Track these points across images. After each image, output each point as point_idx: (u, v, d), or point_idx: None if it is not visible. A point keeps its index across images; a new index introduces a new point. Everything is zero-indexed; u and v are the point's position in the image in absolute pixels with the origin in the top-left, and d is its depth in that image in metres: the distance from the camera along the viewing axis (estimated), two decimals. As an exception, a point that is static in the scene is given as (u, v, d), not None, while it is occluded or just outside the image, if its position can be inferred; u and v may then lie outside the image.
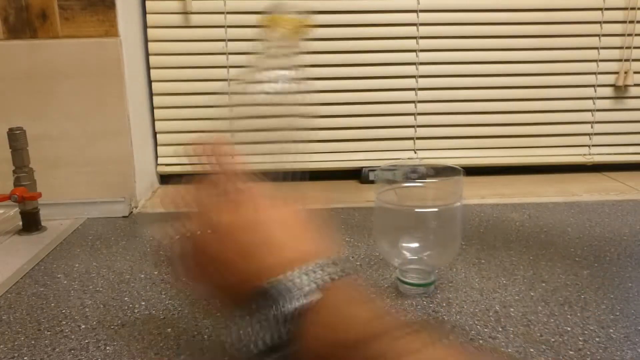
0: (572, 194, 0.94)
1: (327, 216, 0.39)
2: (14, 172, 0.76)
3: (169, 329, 0.50)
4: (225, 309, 0.36)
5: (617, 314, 0.52)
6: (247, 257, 0.35)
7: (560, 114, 1.07)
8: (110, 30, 0.88)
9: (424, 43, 1.03)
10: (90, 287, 0.60)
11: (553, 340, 0.48)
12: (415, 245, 0.55)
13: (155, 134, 1.04)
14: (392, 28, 1.01)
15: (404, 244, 0.55)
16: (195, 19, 0.99)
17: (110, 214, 0.86)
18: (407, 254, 0.56)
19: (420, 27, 1.02)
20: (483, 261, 0.65)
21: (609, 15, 1.03)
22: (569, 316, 0.52)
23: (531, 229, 0.75)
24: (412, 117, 1.05)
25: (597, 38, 1.04)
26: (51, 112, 0.88)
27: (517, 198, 0.91)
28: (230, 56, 1.00)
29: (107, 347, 0.48)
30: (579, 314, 0.52)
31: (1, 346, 0.48)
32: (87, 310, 0.54)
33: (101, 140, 0.88)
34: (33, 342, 0.49)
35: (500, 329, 0.50)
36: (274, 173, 0.44)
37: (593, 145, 1.09)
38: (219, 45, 1.00)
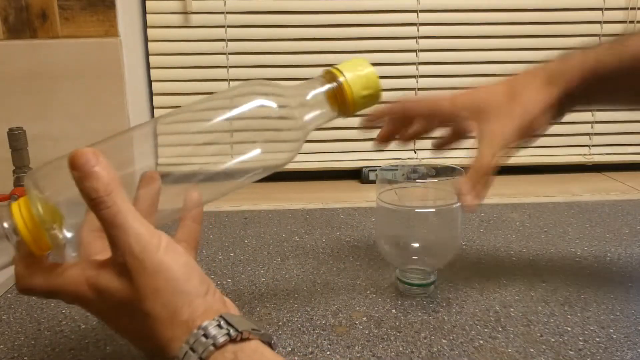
0: (572, 194, 0.94)
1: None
2: (14, 172, 0.76)
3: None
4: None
5: (617, 314, 0.52)
6: (138, 341, 0.34)
7: (560, 114, 1.07)
8: (110, 30, 0.88)
9: (424, 43, 1.03)
10: (90, 287, 0.60)
11: (553, 340, 0.48)
12: (416, 245, 0.55)
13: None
14: (392, 28, 1.02)
15: (404, 244, 0.55)
16: (195, 19, 0.99)
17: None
18: (408, 254, 0.56)
19: (420, 27, 1.02)
20: (483, 261, 0.65)
21: (609, 15, 1.03)
22: (569, 316, 0.52)
23: (531, 229, 0.75)
24: (412, 117, 1.05)
25: (597, 38, 1.04)
26: (51, 112, 0.88)
27: (517, 198, 0.91)
28: (230, 56, 1.00)
29: (107, 347, 0.48)
30: (579, 314, 0.52)
31: (1, 346, 0.48)
32: (87, 310, 0.54)
33: (101, 140, 0.88)
34: (33, 342, 0.49)
35: (500, 329, 0.50)
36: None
37: (593, 145, 1.09)
38: (219, 45, 1.00)
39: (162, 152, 0.39)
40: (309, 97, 0.41)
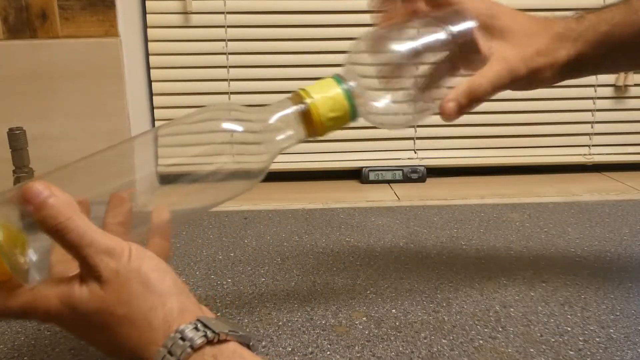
0: (572, 194, 0.94)
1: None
2: (14, 172, 0.76)
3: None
4: None
5: (617, 314, 0.52)
6: (114, 352, 0.34)
7: (560, 114, 1.07)
8: (110, 30, 0.88)
9: (424, 43, 1.02)
10: (90, 287, 0.60)
11: (553, 340, 0.48)
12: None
13: (155, 134, 1.04)
14: (392, 28, 1.01)
15: None
16: (195, 19, 0.99)
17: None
18: None
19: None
20: (483, 261, 0.65)
21: (609, 15, 1.03)
22: (569, 316, 0.52)
23: (531, 229, 0.75)
24: (412, 117, 1.05)
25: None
26: (51, 112, 0.88)
27: (517, 198, 0.91)
28: (230, 56, 1.00)
29: (107, 347, 0.48)
30: (579, 314, 0.52)
31: (1, 346, 0.48)
32: (87, 310, 0.54)
33: (101, 141, 0.88)
34: (33, 342, 0.49)
35: (500, 329, 0.50)
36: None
37: (593, 145, 1.09)
38: (219, 45, 1.00)
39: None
40: (275, 119, 0.41)
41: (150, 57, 0.99)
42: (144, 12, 0.98)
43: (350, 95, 0.41)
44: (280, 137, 0.41)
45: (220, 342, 0.31)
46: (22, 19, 0.86)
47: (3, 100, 0.87)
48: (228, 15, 0.99)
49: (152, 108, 1.02)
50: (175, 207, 0.40)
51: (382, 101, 0.44)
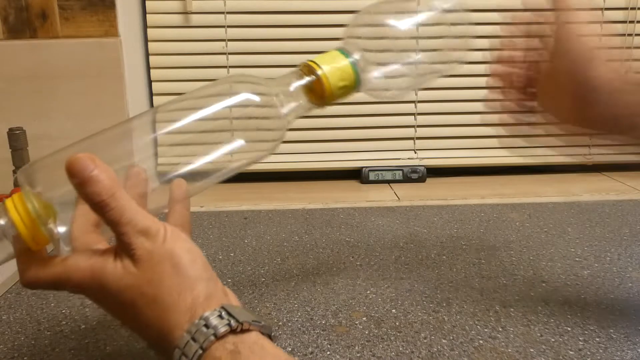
0: (572, 194, 0.94)
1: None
2: (14, 172, 0.76)
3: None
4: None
5: (617, 314, 0.52)
6: (139, 329, 0.34)
7: (560, 114, 1.07)
8: (110, 30, 0.88)
9: (423, 43, 1.02)
10: (90, 287, 0.60)
11: (553, 340, 0.48)
12: None
13: (155, 134, 1.04)
14: (392, 28, 1.01)
15: None
16: (195, 19, 0.99)
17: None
18: None
19: (420, 27, 1.02)
20: (483, 261, 0.65)
21: (609, 15, 1.03)
22: (569, 316, 0.52)
23: (531, 229, 0.75)
24: (412, 117, 1.05)
25: (596, 38, 1.04)
26: (51, 112, 0.88)
27: (517, 198, 0.91)
28: (230, 56, 1.00)
29: (107, 347, 0.48)
30: (579, 314, 0.52)
31: (1, 346, 0.48)
32: (87, 310, 0.54)
33: (101, 140, 0.88)
34: (33, 342, 0.49)
35: (500, 329, 0.50)
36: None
37: (593, 145, 1.09)
38: (219, 45, 1.00)
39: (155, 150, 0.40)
40: (290, 89, 0.43)
41: (150, 57, 0.99)
42: (144, 12, 0.98)
43: (356, 66, 0.43)
44: (290, 107, 0.43)
45: (242, 331, 0.31)
46: (22, 19, 0.86)
47: (3, 100, 0.87)
48: (228, 15, 0.99)
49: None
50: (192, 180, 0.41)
51: (380, 73, 0.46)
